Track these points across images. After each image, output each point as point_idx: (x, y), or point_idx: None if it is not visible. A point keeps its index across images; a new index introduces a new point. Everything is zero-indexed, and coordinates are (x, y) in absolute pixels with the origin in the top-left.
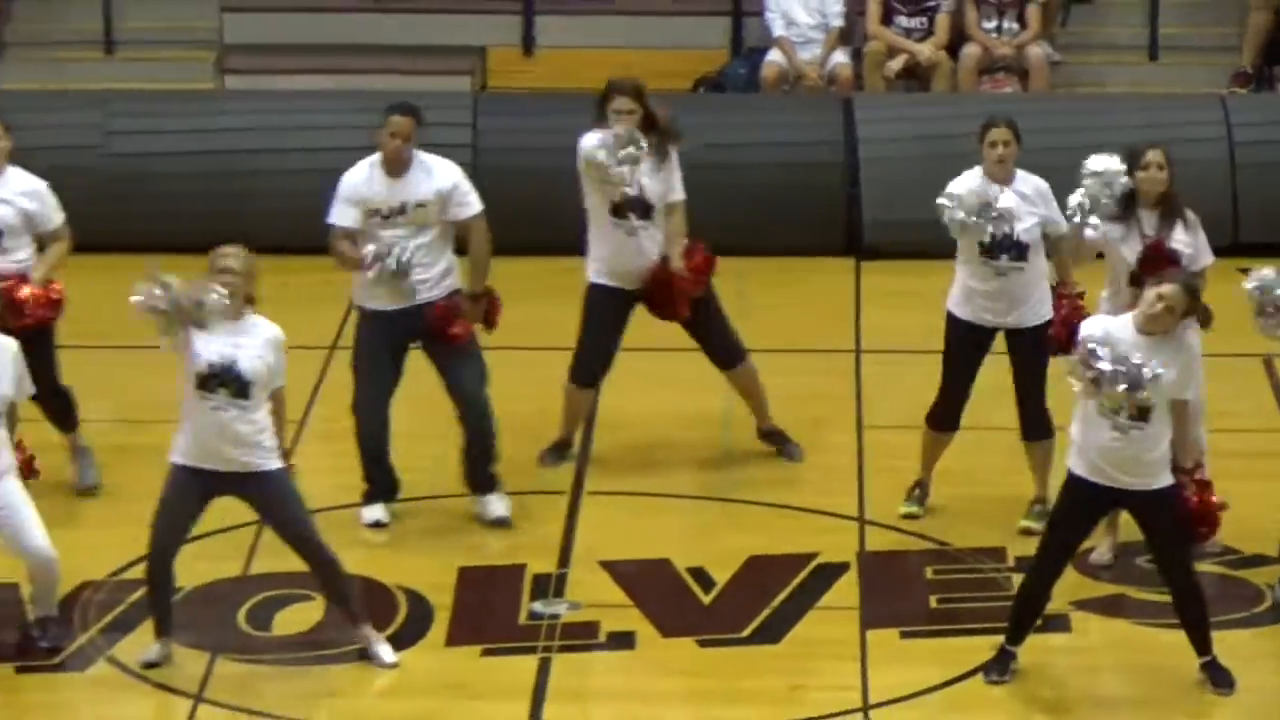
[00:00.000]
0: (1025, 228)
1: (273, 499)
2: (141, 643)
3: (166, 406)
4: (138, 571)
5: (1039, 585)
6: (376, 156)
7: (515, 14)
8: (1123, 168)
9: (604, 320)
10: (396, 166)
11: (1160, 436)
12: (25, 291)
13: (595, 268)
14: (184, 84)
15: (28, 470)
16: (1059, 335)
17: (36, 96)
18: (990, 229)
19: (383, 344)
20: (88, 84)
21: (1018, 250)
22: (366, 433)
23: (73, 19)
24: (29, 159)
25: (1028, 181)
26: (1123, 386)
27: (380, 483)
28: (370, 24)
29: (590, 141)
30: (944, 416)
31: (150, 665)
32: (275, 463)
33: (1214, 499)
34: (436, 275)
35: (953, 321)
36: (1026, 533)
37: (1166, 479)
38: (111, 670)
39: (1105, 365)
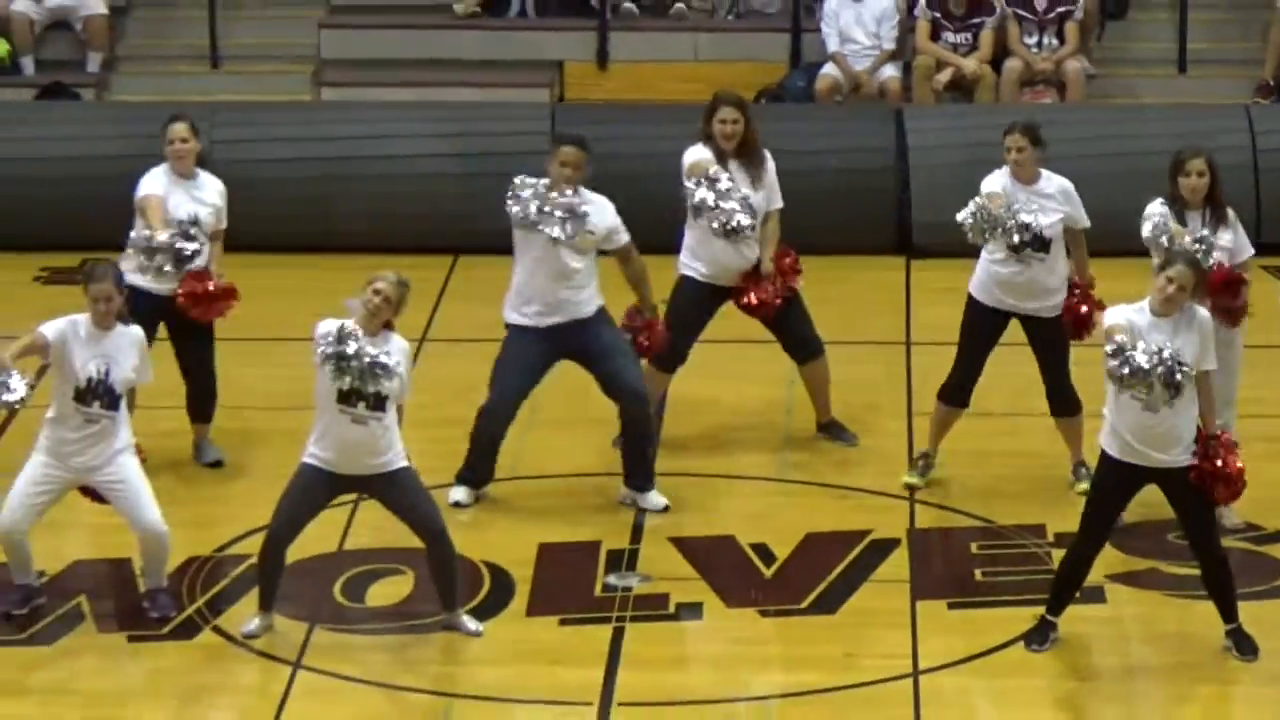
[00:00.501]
0: (1049, 224)
1: (403, 494)
2: (244, 614)
3: (264, 395)
4: (240, 548)
5: (1080, 561)
6: (543, 181)
7: (590, 30)
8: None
9: (690, 311)
10: (567, 183)
11: (1189, 413)
12: (212, 287)
13: (692, 263)
14: (283, 95)
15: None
16: (1069, 324)
17: (147, 108)
18: (1006, 240)
19: (534, 356)
20: (195, 96)
21: (1040, 243)
22: (489, 432)
23: (181, 35)
24: (142, 165)
25: (1052, 181)
26: (1162, 381)
27: (480, 473)
28: (455, 41)
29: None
30: (955, 393)
31: (251, 635)
32: (403, 461)
33: (1237, 462)
34: (590, 294)
35: (973, 304)
36: (1085, 494)
37: (1187, 456)
38: (216, 639)
39: (1142, 360)
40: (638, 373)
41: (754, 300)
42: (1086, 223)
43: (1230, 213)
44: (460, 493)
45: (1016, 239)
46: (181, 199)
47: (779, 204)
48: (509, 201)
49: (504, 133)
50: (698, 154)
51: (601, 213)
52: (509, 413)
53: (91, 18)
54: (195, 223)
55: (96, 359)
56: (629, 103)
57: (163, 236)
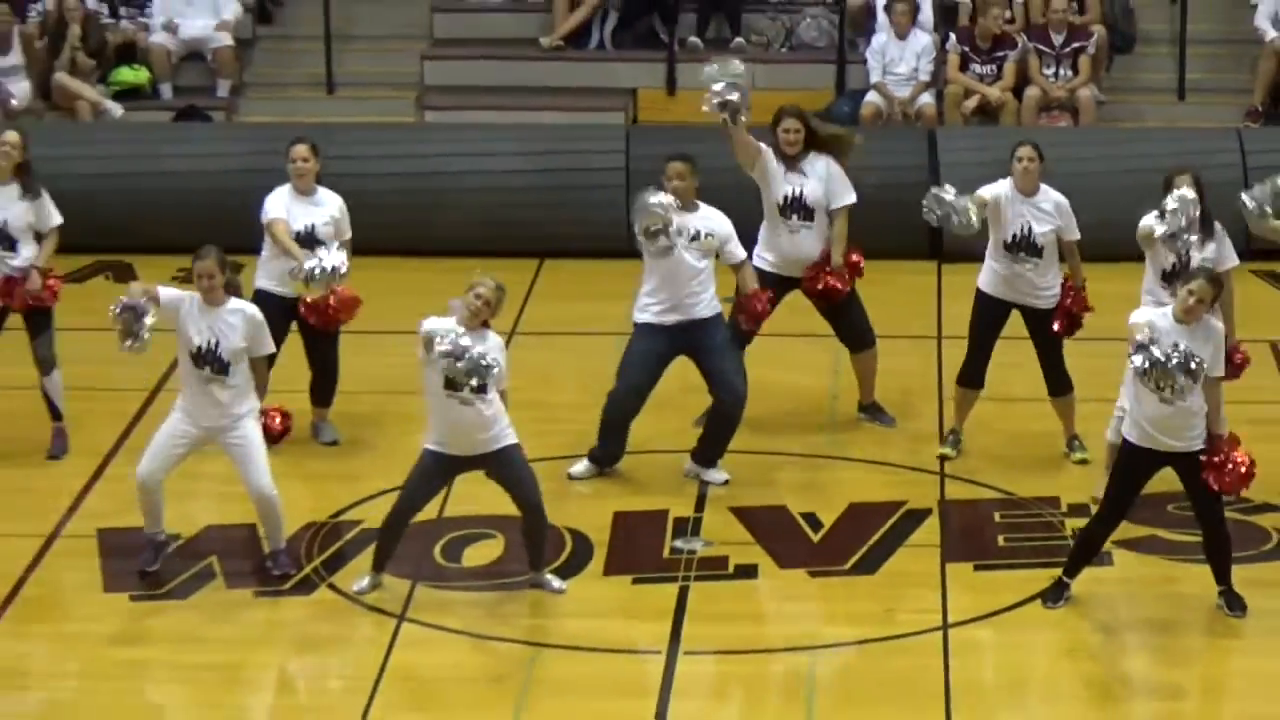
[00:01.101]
0: (1042, 232)
1: (509, 468)
2: (356, 572)
3: (374, 381)
4: (352, 515)
5: (1099, 532)
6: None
7: (660, 61)
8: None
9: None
10: (685, 202)
11: (1199, 407)
12: (333, 301)
13: (763, 254)
14: (390, 118)
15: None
16: (1061, 321)
17: (270, 129)
18: (962, 223)
19: (658, 352)
20: (312, 119)
21: (1033, 249)
22: (617, 416)
23: (300, 65)
24: (264, 179)
25: (1049, 196)
26: (1179, 372)
27: (610, 451)
28: (541, 70)
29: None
30: (971, 376)
31: (362, 591)
32: (511, 439)
33: (1247, 462)
34: (709, 297)
35: (979, 297)
36: (1081, 462)
37: (1199, 442)
38: (330, 595)
39: (1159, 354)
40: (742, 375)
41: (827, 285)
42: (1077, 235)
43: (1217, 225)
44: (580, 467)
45: (958, 220)
46: (300, 212)
47: (844, 200)
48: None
49: (583, 151)
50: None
51: (721, 224)
52: (635, 399)
53: (221, 49)
54: (311, 233)
55: (206, 330)
56: (694, 125)
57: (309, 264)
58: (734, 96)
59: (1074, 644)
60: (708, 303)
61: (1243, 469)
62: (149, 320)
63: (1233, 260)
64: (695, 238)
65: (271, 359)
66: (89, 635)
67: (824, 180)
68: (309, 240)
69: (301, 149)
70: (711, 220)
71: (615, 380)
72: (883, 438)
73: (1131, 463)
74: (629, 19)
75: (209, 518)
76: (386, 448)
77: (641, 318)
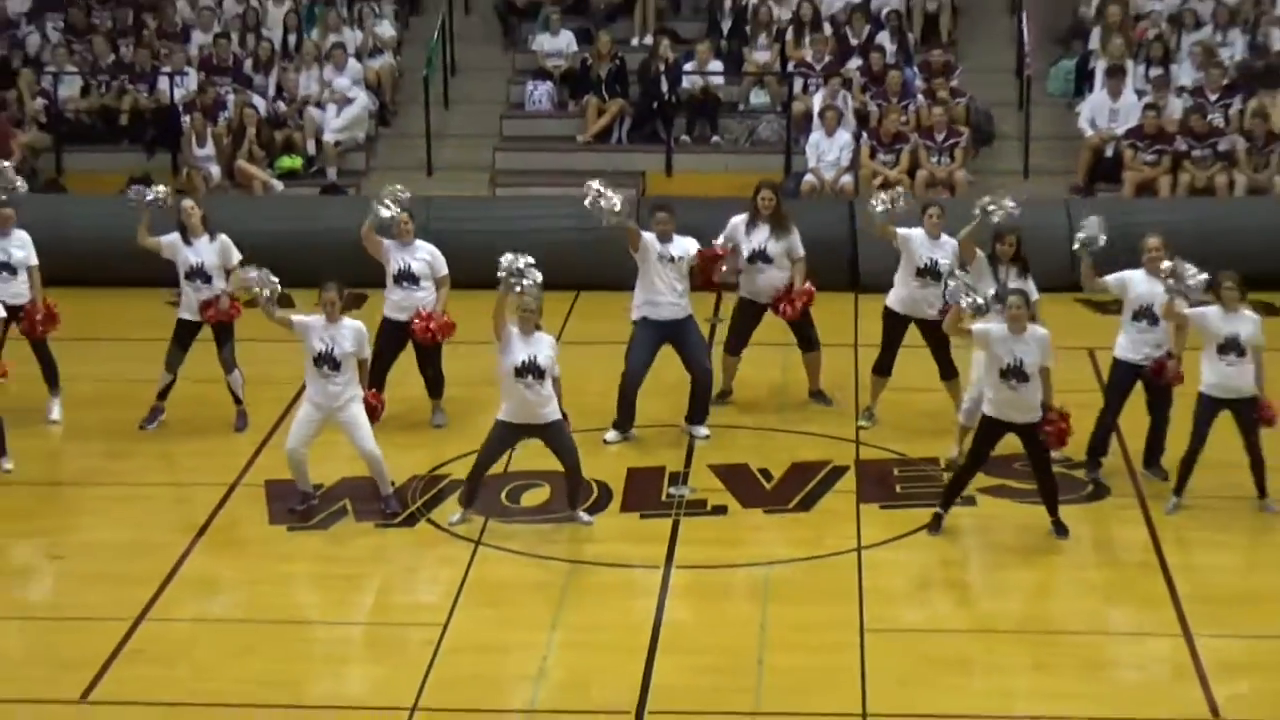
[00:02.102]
0: (943, 262)
1: (557, 436)
2: (447, 510)
3: (453, 377)
4: (443, 470)
5: (963, 478)
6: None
7: (661, 152)
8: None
9: (746, 318)
10: (665, 236)
11: (1035, 390)
12: (434, 324)
13: (744, 289)
14: (472, 193)
15: (378, 405)
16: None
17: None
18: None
19: (652, 339)
20: (418, 191)
21: (937, 275)
22: (627, 392)
23: (409, 154)
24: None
25: (948, 243)
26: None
27: (624, 420)
28: (578, 158)
29: (734, 221)
30: (882, 368)
31: (454, 524)
32: (558, 415)
33: (1067, 426)
34: (685, 302)
35: (887, 312)
36: (868, 418)
37: (1037, 415)
38: (428, 528)
39: (966, 300)
40: (708, 357)
41: (789, 310)
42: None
43: (1028, 266)
44: (612, 434)
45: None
46: (400, 256)
47: (800, 253)
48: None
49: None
50: (738, 219)
51: (688, 245)
52: (640, 373)
53: (353, 144)
54: (408, 269)
55: (326, 340)
56: (687, 197)
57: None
58: (614, 205)
59: (948, 559)
60: (684, 307)
61: (1065, 433)
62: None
63: (1035, 294)
64: (672, 260)
65: (378, 362)
66: (258, 554)
67: (783, 240)
68: (406, 275)
69: (404, 214)
70: (684, 245)
71: (625, 363)
72: (820, 414)
73: (988, 430)
74: (639, 122)
75: (343, 472)
76: (467, 425)
77: (638, 314)
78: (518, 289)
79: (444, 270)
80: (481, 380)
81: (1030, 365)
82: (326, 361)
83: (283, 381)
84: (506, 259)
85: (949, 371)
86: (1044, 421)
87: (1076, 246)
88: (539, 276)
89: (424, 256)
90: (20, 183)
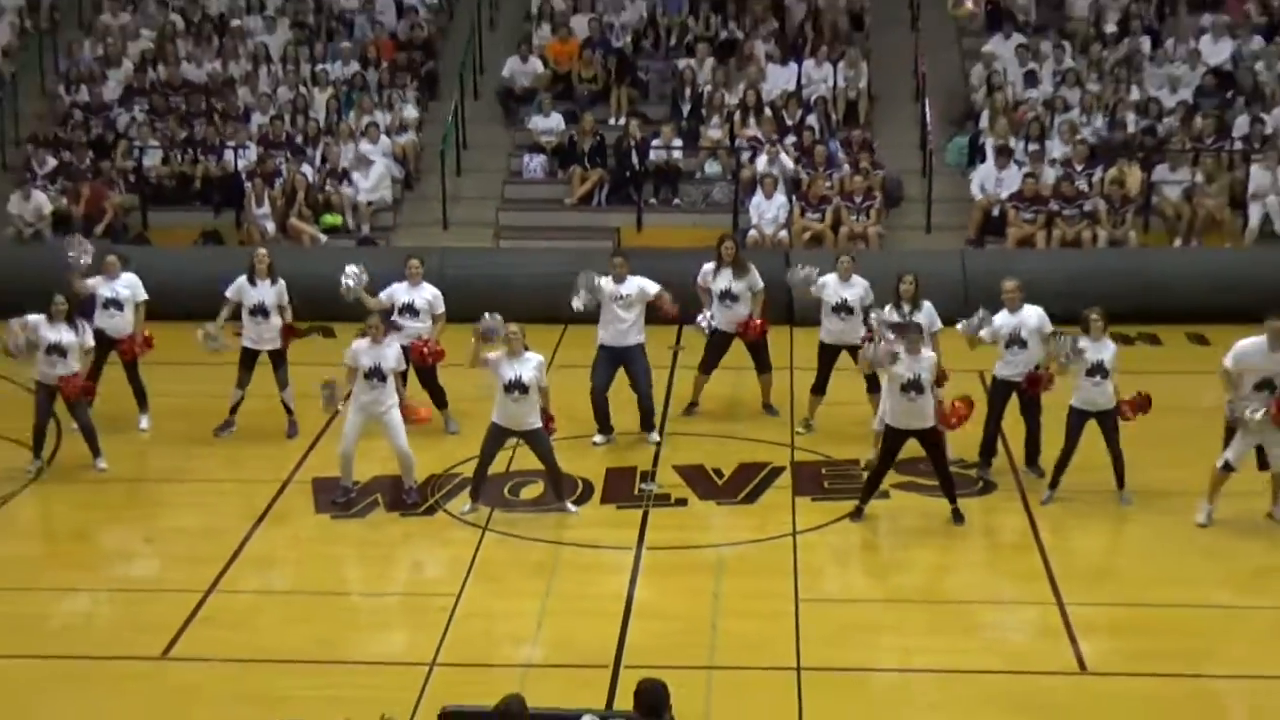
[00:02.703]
0: (853, 298)
1: (536, 441)
2: (460, 502)
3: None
4: (456, 469)
5: (878, 476)
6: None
7: (633, 213)
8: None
9: (717, 345)
10: (620, 277)
11: (929, 402)
12: (428, 350)
13: (712, 323)
14: (478, 244)
15: (418, 416)
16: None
17: (411, 249)
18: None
19: (610, 362)
20: (434, 244)
21: (849, 310)
22: (598, 402)
23: (429, 213)
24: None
25: (859, 283)
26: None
27: (603, 426)
28: (566, 217)
29: (705, 267)
30: (818, 388)
31: (465, 514)
32: (539, 424)
33: (962, 412)
34: (635, 332)
35: (821, 345)
36: (807, 427)
37: (932, 422)
38: (444, 517)
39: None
40: (650, 382)
41: (751, 335)
42: (872, 299)
43: (927, 304)
44: (599, 438)
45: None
46: (406, 294)
47: (760, 287)
48: (581, 293)
49: (589, 265)
50: (708, 265)
51: (639, 285)
52: (602, 392)
53: (383, 204)
54: (411, 305)
55: (374, 357)
56: (654, 248)
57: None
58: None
59: (867, 542)
60: (634, 337)
61: (954, 419)
62: (340, 392)
63: (938, 325)
64: (623, 298)
65: (405, 376)
66: (306, 538)
67: (743, 278)
68: (410, 308)
69: (414, 261)
70: (635, 284)
71: (590, 380)
72: (762, 424)
73: (892, 437)
74: (615, 188)
75: (376, 471)
76: (478, 432)
77: (600, 340)
78: (490, 339)
79: (441, 309)
80: (476, 396)
81: (925, 380)
82: (373, 375)
83: None
84: (484, 320)
85: (874, 386)
86: (952, 409)
87: (955, 327)
88: (500, 320)
89: (427, 295)
90: (87, 257)
